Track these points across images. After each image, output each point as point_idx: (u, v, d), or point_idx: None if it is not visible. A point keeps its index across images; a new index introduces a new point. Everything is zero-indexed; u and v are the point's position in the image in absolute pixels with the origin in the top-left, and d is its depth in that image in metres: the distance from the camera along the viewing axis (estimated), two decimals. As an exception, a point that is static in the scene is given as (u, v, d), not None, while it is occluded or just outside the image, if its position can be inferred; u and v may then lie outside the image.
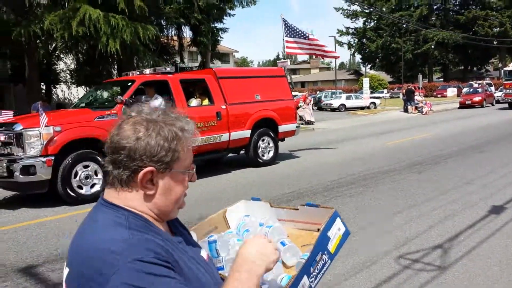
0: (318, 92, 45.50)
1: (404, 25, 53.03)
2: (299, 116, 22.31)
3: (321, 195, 7.26)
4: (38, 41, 14.20)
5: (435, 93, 50.53)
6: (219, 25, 17.33)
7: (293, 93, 44.72)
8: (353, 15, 61.48)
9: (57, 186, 6.99)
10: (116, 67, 17.96)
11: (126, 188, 1.11)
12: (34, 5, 13.51)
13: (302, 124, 21.36)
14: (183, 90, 8.99)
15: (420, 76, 38.14)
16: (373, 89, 50.08)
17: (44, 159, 6.79)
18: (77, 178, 7.15)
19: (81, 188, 7.22)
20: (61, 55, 18.41)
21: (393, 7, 56.50)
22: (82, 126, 7.41)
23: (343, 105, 33.74)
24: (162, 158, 1.09)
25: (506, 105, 27.74)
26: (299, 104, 21.66)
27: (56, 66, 19.71)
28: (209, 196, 7.35)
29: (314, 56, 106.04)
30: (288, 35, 12.57)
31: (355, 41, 63.93)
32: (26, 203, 7.50)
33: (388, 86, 58.57)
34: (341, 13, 60.98)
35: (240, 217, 1.85)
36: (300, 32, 12.49)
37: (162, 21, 15.66)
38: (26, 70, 14.87)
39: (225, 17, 16.73)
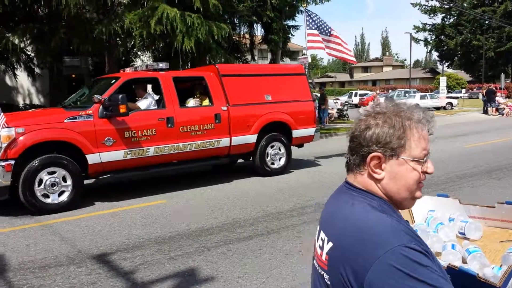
0: (390, 91, 43.98)
1: (487, 22, 49.69)
2: (337, 115, 21.75)
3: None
4: (118, 39, 15.02)
5: (519, 94, 46.89)
6: (290, 23, 17.32)
7: (362, 92, 43.45)
8: (432, 11, 58.62)
9: (18, 193, 6.34)
10: (189, 64, 18.57)
11: (359, 171, 1.26)
12: (116, 4, 14.27)
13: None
14: (182, 89, 8.31)
15: (502, 76, 35.72)
16: (450, 88, 47.59)
17: (3, 164, 6.10)
18: (42, 185, 6.40)
19: (47, 196, 6.48)
20: (139, 53, 19.35)
21: (475, 2, 53.11)
22: (50, 127, 6.56)
23: (417, 104, 32.32)
24: (388, 144, 1.20)
25: None
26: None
27: (134, 62, 20.76)
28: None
29: (387, 53, 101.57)
30: (310, 28, 11.33)
31: (432, 38, 60.96)
32: (98, 194, 8.00)
33: (467, 85, 55.43)
34: (418, 9, 58.42)
35: (424, 211, 1.89)
36: (324, 27, 11.33)
37: (235, 19, 15.90)
38: (106, 66, 15.79)
39: (297, 14, 16.67)
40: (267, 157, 9.00)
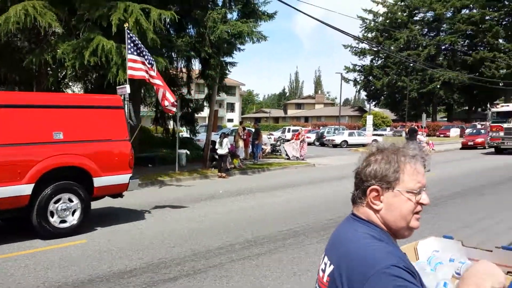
0: (321, 127, 45.74)
1: (411, 64, 53.73)
2: (284, 150, 22.33)
3: (318, 233, 7.24)
4: (48, 69, 14.48)
5: (438, 133, 50.70)
6: (228, 59, 17.59)
7: (295, 128, 43.97)
8: (361, 53, 62.56)
9: None
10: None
11: (361, 203, 1.41)
12: (49, 34, 13.84)
13: (288, 159, 21.41)
14: None
15: (424, 115, 38.36)
16: (376, 126, 50.42)
17: None
18: None
19: None
20: (70, 83, 18.72)
21: (401, 46, 57.43)
22: None
23: (345, 141, 33.87)
24: (385, 178, 1.35)
25: (492, 149, 25.90)
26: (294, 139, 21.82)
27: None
28: None
29: (319, 91, 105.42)
30: (132, 52, 9.94)
31: (361, 78, 64.76)
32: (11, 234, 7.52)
33: (391, 124, 58.95)
34: (349, 50, 62.08)
35: (429, 251, 2.01)
36: (146, 52, 9.98)
37: (173, 53, 15.93)
38: (34, 96, 15.06)
39: (234, 52, 17.02)
40: (52, 214, 7.02)
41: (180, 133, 22.28)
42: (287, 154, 22.14)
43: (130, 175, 8.21)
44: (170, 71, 18.01)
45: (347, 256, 1.30)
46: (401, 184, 1.34)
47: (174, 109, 10.69)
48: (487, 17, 54.72)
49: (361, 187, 1.40)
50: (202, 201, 10.53)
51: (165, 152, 18.81)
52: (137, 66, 9.91)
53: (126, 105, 9.10)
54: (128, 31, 10.15)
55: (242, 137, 19.38)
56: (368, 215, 1.38)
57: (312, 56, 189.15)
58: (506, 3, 54.82)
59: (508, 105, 27.34)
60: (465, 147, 29.83)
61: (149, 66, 9.89)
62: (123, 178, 8.05)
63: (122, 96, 9.34)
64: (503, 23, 56.56)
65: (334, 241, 1.45)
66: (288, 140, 24.93)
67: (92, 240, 6.94)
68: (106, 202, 8.83)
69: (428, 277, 1.69)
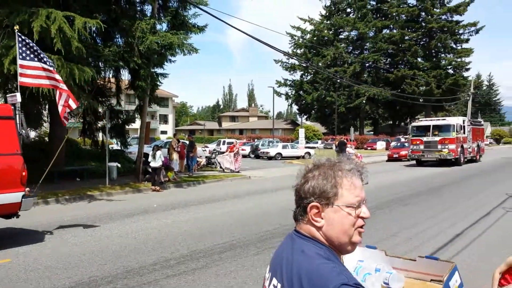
0: (255, 140, 46.21)
1: (338, 80, 56.11)
2: (218, 163, 22.27)
3: (255, 246, 7.20)
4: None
5: (365, 146, 53.17)
6: (159, 70, 17.28)
7: (230, 140, 44.03)
8: (291, 68, 64.35)
9: None
10: (47, 107, 17.23)
11: (303, 221, 1.37)
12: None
13: (222, 171, 21.33)
14: None
15: (352, 129, 40.08)
16: (308, 139, 51.85)
17: None
18: None
19: None
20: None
21: (329, 63, 59.84)
22: None
23: (279, 153, 34.44)
24: (323, 194, 1.33)
25: (414, 162, 27.29)
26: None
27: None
28: None
29: (253, 104, 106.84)
30: (25, 57, 8.83)
31: (293, 93, 66.48)
32: None
33: (322, 137, 60.92)
34: (280, 65, 63.64)
35: (354, 261, 1.97)
36: (43, 55, 8.98)
37: (100, 63, 15.36)
38: None
39: (166, 63, 16.74)
40: None
41: (111, 146, 21.46)
42: (221, 167, 22.05)
43: (23, 193, 7.33)
44: (98, 81, 17.36)
45: (299, 277, 1.27)
46: (340, 199, 1.33)
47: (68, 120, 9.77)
48: (406, 37, 58.76)
49: (301, 204, 1.37)
50: (135, 216, 10.13)
51: (94, 165, 17.97)
52: (34, 73, 8.85)
53: (17, 115, 8.09)
54: (19, 34, 8.94)
55: (176, 149, 19.02)
56: (311, 232, 1.36)
57: (245, 70, 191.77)
58: (423, 24, 59.23)
59: (426, 120, 29.18)
60: (390, 159, 31.47)
61: (51, 69, 8.96)
62: (13, 196, 7.17)
63: (13, 105, 8.24)
64: (421, 43, 61.03)
65: (280, 261, 1.39)
66: (223, 153, 24.82)
67: (17, 259, 6.42)
68: (31, 218, 8.21)
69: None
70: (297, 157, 33.87)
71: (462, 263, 6.32)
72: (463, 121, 27.47)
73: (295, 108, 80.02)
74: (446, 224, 8.95)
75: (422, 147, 26.16)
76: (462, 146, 26.33)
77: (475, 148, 29.35)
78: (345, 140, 31.43)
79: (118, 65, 15.31)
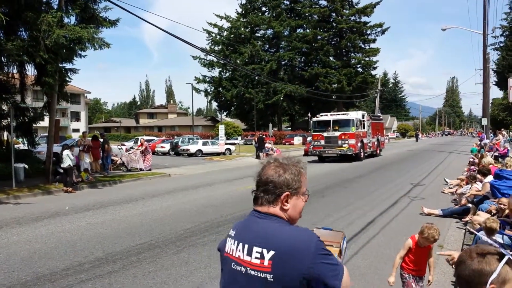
0: (175, 137, 45.49)
1: (256, 78, 57.02)
2: (123, 162, 21.34)
3: (174, 244, 7.14)
4: None
5: (283, 141, 54.77)
6: (68, 66, 16.28)
7: (148, 138, 42.89)
8: (210, 65, 64.13)
9: None
10: None
11: (272, 205, 1.81)
12: None
13: (128, 170, 20.68)
14: None
15: (270, 125, 40.94)
16: (228, 135, 52.18)
17: None
18: None
19: None
20: None
21: (246, 60, 60.50)
22: None
23: (200, 150, 34.24)
24: (292, 185, 1.82)
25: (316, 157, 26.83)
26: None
27: None
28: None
29: (171, 101, 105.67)
30: None
31: (212, 89, 66.29)
32: None
33: (242, 133, 61.60)
34: (198, 62, 63.09)
35: None
36: None
37: (2, 58, 14.15)
38: None
39: (75, 58, 15.82)
40: None
41: (17, 145, 19.87)
42: (125, 166, 21.12)
43: None
44: (0, 76, 16.03)
45: (284, 241, 1.70)
46: (301, 189, 1.85)
47: None
48: (319, 37, 61.39)
49: (274, 192, 1.80)
50: (46, 219, 9.53)
51: (-2, 167, 16.57)
52: None
53: None
54: None
55: (80, 148, 17.71)
56: (277, 213, 1.80)
57: (162, 65, 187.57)
58: (334, 24, 62.15)
59: (326, 114, 28.22)
60: (307, 154, 32.53)
61: None
62: None
63: None
64: (333, 42, 64.03)
65: (256, 233, 1.77)
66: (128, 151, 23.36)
67: None
68: None
69: None
70: (218, 154, 33.93)
71: (371, 250, 6.80)
72: (363, 115, 27.25)
73: (214, 104, 79.94)
74: (359, 213, 9.57)
75: (323, 142, 25.93)
76: (362, 141, 26.31)
77: (375, 143, 29.68)
78: (263, 136, 32.14)
79: (23, 59, 14.21)
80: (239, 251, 1.79)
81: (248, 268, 1.74)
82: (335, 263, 1.71)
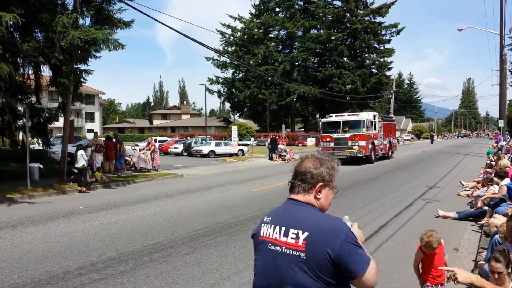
0: (188, 138, 45.67)
1: (269, 78, 56.93)
2: (133, 163, 21.44)
3: (186, 245, 7.14)
4: None
5: (296, 142, 54.59)
6: (83, 67, 16.45)
7: (162, 138, 42.98)
8: (223, 66, 64.21)
9: None
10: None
11: (307, 193, 2.07)
12: None
13: (138, 171, 20.71)
14: None
15: (283, 126, 40.89)
16: (241, 136, 52.19)
17: None
18: None
19: None
20: None
21: (260, 61, 60.46)
22: None
23: (212, 151, 34.32)
24: (326, 178, 2.08)
25: None
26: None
27: None
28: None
29: (185, 102, 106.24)
30: None
31: (225, 90, 66.38)
32: None
33: (255, 134, 61.56)
34: (211, 63, 63.26)
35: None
36: None
37: (18, 59, 14.34)
38: None
39: (90, 59, 15.98)
40: None
41: (32, 145, 20.17)
42: (135, 167, 21.20)
43: None
44: (16, 77, 16.23)
45: (317, 224, 1.93)
46: (332, 182, 2.11)
47: None
48: (333, 37, 60.93)
49: (311, 182, 2.06)
50: (60, 219, 9.63)
51: (14, 167, 16.81)
52: None
53: None
54: None
55: (92, 148, 17.83)
56: (311, 201, 2.06)
57: (175, 67, 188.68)
58: (348, 25, 61.76)
59: (336, 115, 27.32)
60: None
61: None
62: None
63: None
64: (347, 43, 63.57)
65: (294, 218, 2.00)
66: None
67: None
68: None
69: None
70: (231, 155, 33.95)
71: (386, 252, 6.72)
72: (374, 116, 26.61)
73: (227, 105, 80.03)
74: (373, 215, 9.46)
75: (332, 144, 25.28)
76: (373, 143, 25.60)
77: (387, 145, 29.00)
78: (276, 137, 32.09)
79: (38, 60, 14.37)
80: (276, 233, 2.03)
81: (284, 247, 1.97)
82: (362, 254, 1.88)
